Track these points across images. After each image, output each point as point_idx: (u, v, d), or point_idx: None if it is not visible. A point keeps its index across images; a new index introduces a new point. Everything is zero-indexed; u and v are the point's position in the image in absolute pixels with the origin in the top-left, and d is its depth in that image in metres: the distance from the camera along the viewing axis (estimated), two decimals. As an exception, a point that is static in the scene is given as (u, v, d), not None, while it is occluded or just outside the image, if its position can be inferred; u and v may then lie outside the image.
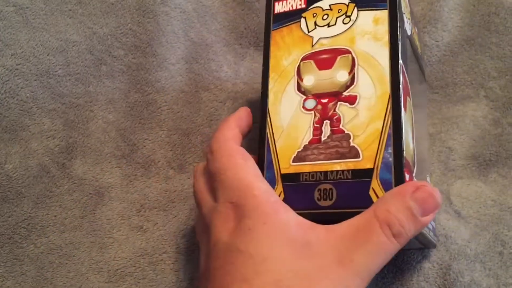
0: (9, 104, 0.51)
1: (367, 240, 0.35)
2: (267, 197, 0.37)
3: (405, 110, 0.41)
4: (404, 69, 0.43)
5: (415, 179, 0.42)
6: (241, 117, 0.44)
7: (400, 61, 0.41)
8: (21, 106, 0.52)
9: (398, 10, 0.43)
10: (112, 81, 0.54)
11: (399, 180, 0.38)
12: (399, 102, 0.40)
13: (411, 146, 0.42)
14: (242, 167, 0.39)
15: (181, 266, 0.51)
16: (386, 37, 0.42)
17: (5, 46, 0.52)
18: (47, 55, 0.53)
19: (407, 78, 0.43)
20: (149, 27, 0.55)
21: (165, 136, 0.54)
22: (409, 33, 0.46)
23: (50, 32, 0.53)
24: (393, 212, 0.36)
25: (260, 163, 0.43)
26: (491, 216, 0.53)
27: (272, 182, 0.41)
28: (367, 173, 0.39)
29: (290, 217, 0.37)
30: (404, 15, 0.45)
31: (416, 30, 0.48)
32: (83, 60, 0.53)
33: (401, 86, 0.41)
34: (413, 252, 0.52)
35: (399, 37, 0.42)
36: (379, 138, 0.39)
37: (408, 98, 0.43)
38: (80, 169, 0.52)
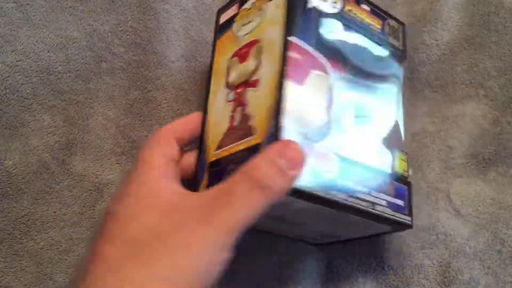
0: (9, 100, 0.51)
1: (231, 195, 0.36)
2: (157, 171, 0.40)
3: (300, 83, 0.42)
4: (307, 44, 0.43)
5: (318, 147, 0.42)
6: (180, 124, 0.46)
7: (290, 38, 0.42)
8: (21, 103, 0.52)
9: None
10: (112, 78, 0.54)
11: None
12: (285, 76, 0.41)
13: (320, 116, 0.42)
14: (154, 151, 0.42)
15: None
16: (282, 18, 0.43)
17: (5, 42, 0.52)
18: (48, 51, 0.53)
19: (313, 52, 0.43)
20: (150, 25, 0.55)
21: None
22: (332, 10, 0.46)
23: (50, 28, 0.53)
24: (259, 166, 0.36)
25: (198, 160, 0.46)
26: (490, 215, 0.54)
27: (203, 173, 0.44)
28: (257, 148, 0.40)
29: (167, 186, 0.39)
30: None
31: (368, 8, 0.49)
32: (83, 57, 0.53)
33: (287, 61, 0.42)
34: (413, 249, 0.52)
35: (292, 15, 0.43)
36: (270, 114, 0.40)
37: (317, 71, 0.43)
38: (80, 166, 0.52)
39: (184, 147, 0.46)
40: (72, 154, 0.52)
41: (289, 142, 0.38)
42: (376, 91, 0.48)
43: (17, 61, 0.52)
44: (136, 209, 0.38)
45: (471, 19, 0.57)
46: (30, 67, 0.52)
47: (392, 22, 0.50)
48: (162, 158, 0.42)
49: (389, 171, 0.46)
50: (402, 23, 0.51)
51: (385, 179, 0.45)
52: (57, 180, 0.51)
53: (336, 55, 0.46)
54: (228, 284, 0.43)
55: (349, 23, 0.47)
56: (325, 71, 0.44)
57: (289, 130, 0.40)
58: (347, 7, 0.46)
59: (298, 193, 0.39)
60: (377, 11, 0.49)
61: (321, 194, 0.40)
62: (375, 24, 0.48)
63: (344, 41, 0.47)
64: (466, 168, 0.55)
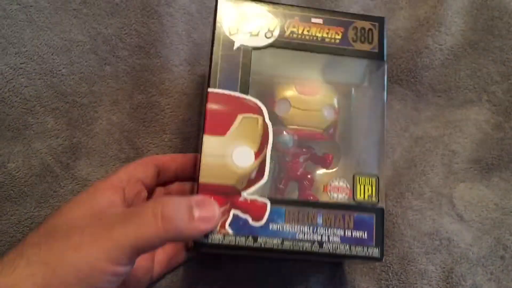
0: (12, 102, 0.51)
1: (137, 216, 0.37)
2: (108, 183, 0.43)
3: (221, 134, 0.42)
4: (231, 91, 0.43)
5: (245, 195, 0.43)
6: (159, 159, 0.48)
7: (211, 89, 0.43)
8: (24, 105, 0.51)
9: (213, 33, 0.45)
10: (116, 81, 0.54)
11: None
12: (204, 130, 0.42)
13: (247, 163, 0.43)
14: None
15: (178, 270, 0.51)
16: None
17: (9, 44, 0.52)
18: (51, 54, 0.53)
19: (241, 96, 0.43)
20: (154, 28, 0.55)
21: (168, 140, 0.53)
22: (265, 42, 0.45)
23: (54, 31, 0.53)
24: (173, 200, 0.38)
25: None
26: (493, 220, 0.54)
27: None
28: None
29: (105, 198, 0.41)
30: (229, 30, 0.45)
31: (320, 20, 0.46)
32: (87, 59, 0.53)
33: (206, 114, 0.43)
34: (417, 254, 0.52)
35: (214, 64, 0.43)
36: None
37: (245, 114, 0.43)
38: (84, 171, 0.52)
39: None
40: (76, 158, 0.52)
41: (208, 201, 0.40)
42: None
43: (20, 63, 0.52)
44: (69, 206, 0.40)
45: (474, 24, 0.57)
46: (34, 69, 0.52)
47: (362, 24, 0.47)
48: (125, 174, 0.44)
49: (344, 201, 0.44)
50: (378, 20, 0.47)
51: (337, 212, 0.43)
52: (61, 184, 0.51)
53: (271, 96, 0.46)
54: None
55: (291, 46, 0.45)
56: (256, 112, 0.44)
57: (205, 186, 0.41)
58: (290, 30, 0.45)
59: (216, 246, 0.41)
60: (335, 19, 0.46)
61: (247, 244, 0.41)
62: (331, 35, 0.46)
63: (284, 67, 0.47)
64: (469, 173, 0.55)
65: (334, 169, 0.48)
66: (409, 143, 0.56)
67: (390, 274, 0.52)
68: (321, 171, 0.48)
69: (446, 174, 0.55)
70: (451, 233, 0.53)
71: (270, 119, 0.46)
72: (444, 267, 0.52)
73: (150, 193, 0.48)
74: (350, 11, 0.57)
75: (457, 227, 0.53)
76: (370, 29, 0.46)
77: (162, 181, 0.49)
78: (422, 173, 0.54)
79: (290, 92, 0.47)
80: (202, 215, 0.39)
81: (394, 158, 0.55)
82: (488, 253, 0.53)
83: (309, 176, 0.47)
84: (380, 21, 0.47)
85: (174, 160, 0.48)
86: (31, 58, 0.52)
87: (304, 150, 0.48)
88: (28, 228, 0.50)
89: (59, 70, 0.53)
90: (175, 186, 0.50)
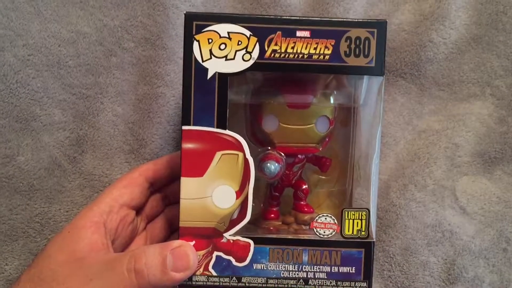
0: (19, 94, 0.52)
1: (112, 267, 0.39)
2: (89, 221, 0.42)
3: (198, 175, 0.41)
4: (207, 127, 0.41)
5: (227, 236, 0.42)
6: (148, 169, 0.47)
7: (185, 127, 0.41)
8: (32, 96, 0.52)
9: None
10: (122, 73, 0.54)
11: None
12: (182, 172, 0.41)
13: (228, 203, 0.42)
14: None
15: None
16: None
17: (17, 36, 0.52)
18: (58, 46, 0.53)
19: (217, 131, 0.41)
20: (159, 20, 0.55)
21: (172, 131, 0.54)
22: (243, 66, 0.40)
23: (61, 23, 0.53)
24: (147, 253, 0.39)
25: None
26: (495, 213, 0.54)
27: None
28: None
29: (86, 239, 0.41)
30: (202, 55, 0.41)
31: (307, 33, 0.40)
32: (93, 51, 0.54)
33: (182, 155, 0.41)
34: (419, 246, 0.53)
35: (187, 99, 0.41)
36: None
37: (224, 151, 0.41)
38: (90, 164, 0.52)
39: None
40: (82, 152, 0.53)
41: (187, 246, 0.41)
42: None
43: (28, 55, 0.52)
44: (53, 248, 0.41)
45: (479, 18, 0.57)
46: (41, 61, 0.52)
47: (357, 32, 0.40)
48: (107, 204, 0.44)
49: (331, 237, 0.43)
50: (377, 26, 0.41)
51: (323, 248, 0.43)
52: (69, 179, 0.52)
53: (258, 111, 0.44)
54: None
55: (274, 67, 0.40)
56: (235, 148, 0.41)
57: (186, 230, 0.41)
58: (272, 48, 0.40)
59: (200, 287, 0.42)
60: (325, 29, 0.40)
61: (231, 284, 0.42)
62: (319, 50, 0.40)
63: (268, 90, 0.44)
64: (472, 166, 0.56)
65: (328, 177, 0.49)
66: (412, 136, 0.56)
67: (393, 265, 0.53)
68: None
69: (449, 167, 0.55)
70: (454, 225, 0.53)
71: (258, 134, 0.45)
72: (446, 259, 0.53)
73: (143, 207, 0.48)
74: (355, 5, 0.57)
75: (460, 219, 0.54)
76: (366, 39, 0.40)
77: (157, 188, 0.49)
78: (425, 165, 0.55)
79: (278, 107, 0.44)
80: (177, 266, 0.40)
81: (397, 150, 0.56)
82: (490, 245, 0.53)
83: (304, 187, 0.47)
84: (380, 27, 0.41)
85: (166, 166, 0.48)
86: (38, 50, 0.52)
87: (299, 157, 0.46)
88: (39, 224, 0.51)
89: (66, 62, 0.53)
90: (171, 188, 0.49)
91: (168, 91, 0.54)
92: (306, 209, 0.47)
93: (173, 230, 0.50)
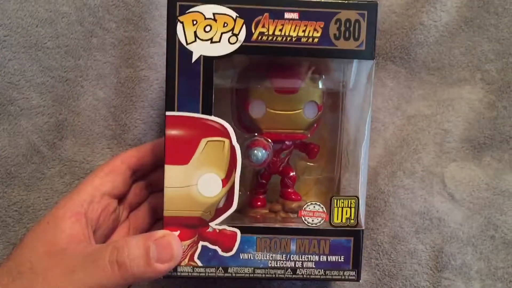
0: (-5, 76, 0.50)
1: (94, 260, 0.38)
2: (69, 211, 0.41)
3: (183, 163, 0.40)
4: (192, 113, 0.40)
5: (213, 226, 0.41)
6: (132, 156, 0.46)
7: (169, 113, 0.40)
8: (8, 79, 0.50)
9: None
10: (103, 54, 0.52)
11: None
12: (165, 159, 0.40)
13: (213, 191, 0.41)
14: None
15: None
16: None
17: (-9, 16, 0.50)
18: (36, 26, 0.51)
19: (203, 117, 0.40)
20: (142, 0, 0.53)
21: (156, 116, 0.52)
22: (229, 49, 0.39)
23: (39, 2, 0.51)
24: (129, 244, 0.38)
25: None
26: (484, 200, 0.54)
27: None
28: None
29: (66, 230, 0.40)
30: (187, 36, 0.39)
31: (295, 15, 0.39)
32: (73, 32, 0.52)
33: (166, 141, 0.40)
34: (407, 233, 0.52)
35: (171, 84, 0.39)
36: None
37: (209, 138, 0.40)
38: (71, 150, 0.51)
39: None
40: (62, 137, 0.51)
41: (170, 236, 0.40)
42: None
43: (4, 36, 0.50)
44: (32, 239, 0.40)
45: (470, 0, 0.56)
46: (18, 42, 0.50)
47: (346, 14, 0.39)
48: (87, 193, 0.42)
49: (319, 226, 0.43)
50: (367, 7, 0.40)
51: (311, 237, 0.42)
52: (48, 166, 0.51)
53: (245, 97, 0.43)
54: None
55: (261, 50, 0.39)
56: (221, 135, 0.40)
57: (171, 220, 0.40)
58: (259, 30, 0.39)
59: (185, 278, 0.41)
60: (314, 11, 0.39)
61: (217, 274, 0.41)
62: (308, 33, 0.39)
63: (254, 75, 0.43)
64: (461, 152, 0.55)
65: (316, 164, 0.48)
66: (401, 122, 0.55)
67: (380, 253, 0.52)
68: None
69: (438, 153, 0.54)
70: (442, 212, 0.53)
71: (245, 120, 0.44)
72: (434, 247, 0.52)
73: (125, 195, 0.46)
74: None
75: (448, 206, 0.53)
76: (356, 21, 0.39)
77: (140, 176, 0.47)
78: (414, 152, 0.54)
79: (265, 92, 0.43)
80: (161, 257, 0.39)
81: (386, 136, 0.55)
82: (478, 232, 0.53)
83: (291, 174, 0.46)
84: (371, 9, 0.40)
85: (149, 153, 0.46)
86: (15, 31, 0.50)
87: (286, 143, 0.45)
88: (17, 213, 0.50)
89: (44, 43, 0.51)
90: (154, 176, 0.48)
91: (151, 74, 0.53)
92: (293, 196, 0.46)
93: (156, 219, 0.49)
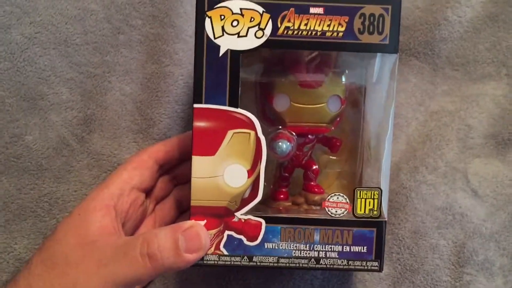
0: (27, 72, 0.51)
1: (125, 252, 0.39)
2: (99, 204, 0.42)
3: (209, 154, 0.41)
4: (219, 105, 0.40)
5: (239, 216, 0.42)
6: (158, 150, 0.47)
7: (197, 105, 0.40)
8: (39, 75, 0.52)
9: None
10: (130, 51, 0.53)
11: None
12: (192, 151, 0.41)
13: (239, 182, 0.41)
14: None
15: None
16: None
17: (24, 14, 0.51)
18: (65, 23, 0.52)
19: (229, 110, 0.40)
20: (167, -3, 0.54)
21: (180, 111, 0.53)
22: (256, 43, 0.40)
23: (68, 0, 0.52)
24: (159, 236, 0.39)
25: None
26: (507, 196, 0.53)
27: None
28: None
29: (96, 223, 0.41)
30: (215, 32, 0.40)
31: (321, 10, 0.40)
32: (100, 29, 0.53)
33: (194, 133, 0.40)
34: (429, 228, 0.52)
35: (198, 76, 0.40)
36: None
37: (236, 130, 0.41)
38: (99, 144, 0.52)
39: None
40: (90, 131, 0.52)
41: (197, 226, 0.40)
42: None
43: (35, 33, 0.52)
44: (63, 231, 0.41)
45: (495, -5, 0.56)
46: (48, 39, 0.52)
47: (371, 9, 0.40)
48: (117, 187, 0.44)
49: (343, 217, 0.43)
50: (392, 2, 0.40)
51: (335, 228, 0.42)
52: (77, 159, 0.52)
53: (269, 90, 0.44)
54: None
55: (286, 45, 0.40)
56: (247, 127, 0.41)
57: (197, 209, 0.41)
58: (284, 25, 0.39)
59: (211, 266, 0.42)
60: (339, 6, 0.40)
61: (242, 263, 0.42)
62: (333, 27, 0.40)
63: (279, 69, 0.44)
64: (485, 148, 0.55)
65: (338, 158, 0.48)
66: (424, 118, 0.55)
67: (402, 248, 0.52)
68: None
69: (461, 149, 0.54)
70: (465, 208, 0.53)
71: (269, 114, 0.45)
72: (456, 242, 0.52)
73: (152, 189, 0.48)
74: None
75: (471, 202, 0.53)
76: (381, 15, 0.40)
77: (166, 169, 0.48)
78: (437, 147, 0.54)
79: (289, 86, 0.44)
80: (190, 247, 0.39)
81: (409, 132, 0.55)
82: (501, 228, 0.53)
83: (314, 167, 0.46)
84: (394, 3, 0.40)
85: (175, 147, 0.47)
86: (45, 28, 0.52)
87: (309, 137, 0.46)
88: (47, 204, 0.52)
89: (73, 40, 0.52)
90: (180, 169, 0.49)
91: (176, 70, 0.54)
92: (316, 189, 0.47)
93: (181, 211, 0.50)
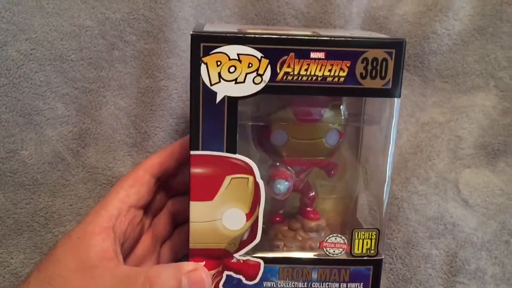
0: (23, 88, 0.52)
1: (126, 286, 0.38)
2: (98, 227, 0.42)
3: (207, 199, 0.41)
4: (215, 152, 0.40)
5: (237, 257, 0.42)
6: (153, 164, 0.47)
7: (193, 152, 0.40)
8: (35, 90, 0.52)
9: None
10: (124, 66, 0.54)
11: None
12: (190, 196, 0.41)
13: (238, 224, 0.42)
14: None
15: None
16: None
17: (19, 31, 0.52)
18: (61, 40, 0.53)
19: (227, 156, 0.40)
20: (161, 13, 0.55)
21: (174, 124, 0.54)
22: (254, 89, 0.39)
23: (63, 17, 0.53)
24: (162, 276, 0.39)
25: None
26: (498, 205, 0.54)
27: None
28: None
29: (96, 247, 0.41)
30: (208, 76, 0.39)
31: (322, 54, 0.38)
32: (95, 45, 0.54)
33: (191, 179, 0.40)
34: (421, 238, 0.53)
35: (195, 124, 0.39)
36: None
37: (234, 175, 0.40)
38: (94, 157, 0.53)
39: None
40: (85, 145, 0.53)
41: (201, 270, 0.40)
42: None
43: (31, 49, 0.52)
44: (62, 252, 0.41)
45: (483, 9, 0.57)
46: (44, 55, 0.53)
47: (374, 53, 0.38)
48: (115, 207, 0.43)
49: (340, 256, 0.43)
50: (395, 45, 0.39)
51: (332, 267, 0.43)
52: (72, 173, 0.53)
53: (267, 125, 0.43)
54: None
55: (286, 90, 0.39)
56: (245, 172, 0.41)
57: (196, 252, 0.41)
58: (284, 70, 0.38)
59: None
60: (341, 50, 0.38)
61: None
62: (334, 72, 0.38)
63: (276, 104, 0.43)
64: (475, 158, 0.56)
65: (333, 183, 0.49)
66: (415, 129, 0.56)
67: (394, 258, 0.53)
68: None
69: (452, 160, 0.55)
70: (456, 217, 0.53)
71: (266, 146, 0.44)
72: (448, 251, 0.53)
73: (150, 203, 0.48)
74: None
75: (462, 212, 0.54)
76: (384, 60, 0.38)
77: (165, 180, 0.48)
78: (428, 158, 0.55)
79: (287, 121, 0.43)
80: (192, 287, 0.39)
81: (400, 143, 0.56)
82: (493, 237, 0.53)
83: (311, 194, 0.47)
84: (398, 47, 0.39)
85: (170, 157, 0.47)
86: (41, 44, 0.53)
87: (306, 165, 0.46)
88: (43, 218, 0.52)
89: (69, 56, 0.53)
90: (174, 181, 0.49)
91: (170, 84, 0.54)
92: (312, 215, 0.47)
93: (177, 224, 0.50)
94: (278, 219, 0.48)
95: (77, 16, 0.54)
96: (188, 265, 0.40)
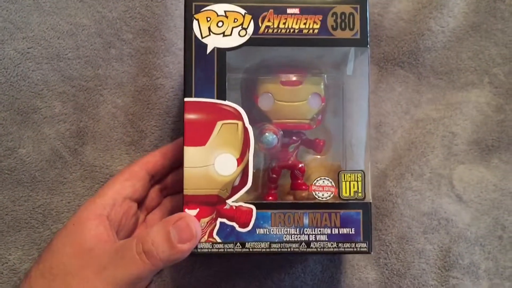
0: (20, 86, 0.52)
1: (122, 254, 0.40)
2: (93, 213, 0.43)
3: (200, 144, 0.43)
4: (207, 98, 0.43)
5: (230, 203, 0.43)
6: (148, 161, 0.48)
7: (187, 99, 0.43)
8: (32, 89, 0.53)
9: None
10: (121, 64, 0.55)
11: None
12: (184, 142, 0.43)
13: (229, 170, 0.43)
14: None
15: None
16: None
17: (16, 29, 0.53)
18: (58, 38, 0.53)
19: (217, 102, 0.43)
20: (157, 11, 0.55)
21: (171, 122, 0.54)
22: (239, 41, 0.44)
23: (60, 16, 0.54)
24: (151, 233, 0.40)
25: None
26: (492, 201, 0.55)
27: None
28: None
29: (91, 232, 0.42)
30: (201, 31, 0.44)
31: (297, 10, 0.44)
32: (92, 43, 0.54)
33: (185, 125, 0.43)
34: (415, 233, 0.53)
35: (188, 72, 0.43)
36: None
37: (224, 121, 0.43)
38: (91, 156, 0.53)
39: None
40: (83, 143, 0.53)
41: (187, 217, 0.42)
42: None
43: (28, 48, 0.53)
44: (65, 246, 0.42)
45: (477, 6, 0.57)
46: (41, 54, 0.53)
47: (341, 8, 0.44)
48: (110, 197, 0.45)
49: (329, 200, 0.45)
50: (359, 1, 0.44)
51: (322, 211, 0.44)
52: (70, 171, 0.53)
53: (252, 92, 0.46)
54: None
55: (268, 42, 0.44)
56: (235, 118, 0.44)
57: (190, 198, 0.43)
58: (265, 24, 0.44)
59: (205, 254, 0.43)
60: (313, 6, 0.44)
61: (235, 250, 0.43)
62: (308, 25, 0.44)
63: (263, 70, 0.47)
64: (469, 154, 0.56)
65: (324, 156, 0.49)
66: (409, 125, 0.56)
67: (389, 253, 0.53)
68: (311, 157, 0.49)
69: (446, 156, 0.56)
70: (450, 213, 0.54)
71: (254, 113, 0.46)
72: (442, 246, 0.53)
73: (144, 199, 0.49)
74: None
75: (456, 207, 0.54)
76: (351, 14, 0.44)
77: (158, 179, 0.50)
78: (422, 154, 0.55)
79: (272, 85, 0.47)
80: (182, 237, 0.41)
81: (394, 139, 0.56)
82: (486, 233, 0.54)
83: (300, 166, 0.48)
84: (362, 3, 0.44)
85: (165, 157, 0.49)
86: (38, 43, 0.53)
87: (294, 138, 0.48)
88: (41, 215, 0.53)
89: (65, 54, 0.54)
90: (169, 179, 0.50)
91: (167, 82, 0.55)
92: (304, 186, 0.48)
93: None
94: (271, 198, 0.48)
95: (74, 14, 0.54)
96: (174, 217, 0.42)
